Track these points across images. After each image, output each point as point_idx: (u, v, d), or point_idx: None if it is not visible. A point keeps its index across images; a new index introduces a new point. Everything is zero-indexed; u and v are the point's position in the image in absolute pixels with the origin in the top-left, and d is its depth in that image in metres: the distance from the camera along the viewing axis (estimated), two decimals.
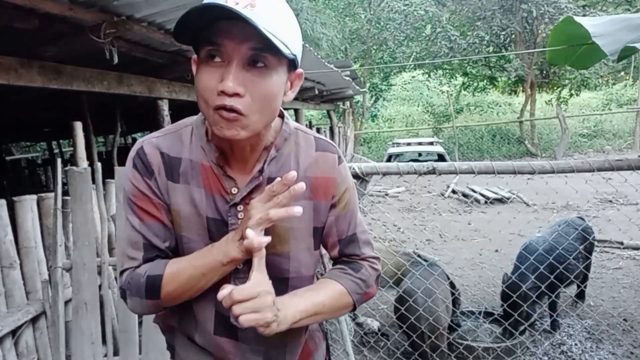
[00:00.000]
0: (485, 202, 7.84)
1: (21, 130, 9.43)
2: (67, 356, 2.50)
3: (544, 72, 17.57)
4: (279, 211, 0.85)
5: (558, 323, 3.49)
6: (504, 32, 15.97)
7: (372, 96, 18.90)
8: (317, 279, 1.09)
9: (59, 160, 2.76)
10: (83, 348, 2.45)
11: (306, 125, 10.23)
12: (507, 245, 5.57)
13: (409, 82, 21.70)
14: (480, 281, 4.32)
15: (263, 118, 0.88)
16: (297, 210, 0.85)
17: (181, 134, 0.99)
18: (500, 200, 8.11)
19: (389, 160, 10.43)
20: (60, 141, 12.82)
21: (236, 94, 0.83)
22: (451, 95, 18.46)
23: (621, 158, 2.31)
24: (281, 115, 1.02)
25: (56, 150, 12.33)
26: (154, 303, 0.96)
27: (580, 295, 3.93)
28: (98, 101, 5.17)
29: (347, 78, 8.66)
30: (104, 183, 2.78)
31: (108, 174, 2.73)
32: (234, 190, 0.96)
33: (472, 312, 3.58)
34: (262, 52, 0.83)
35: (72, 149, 3.58)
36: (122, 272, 0.99)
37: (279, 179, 0.86)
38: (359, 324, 3.51)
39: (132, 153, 0.98)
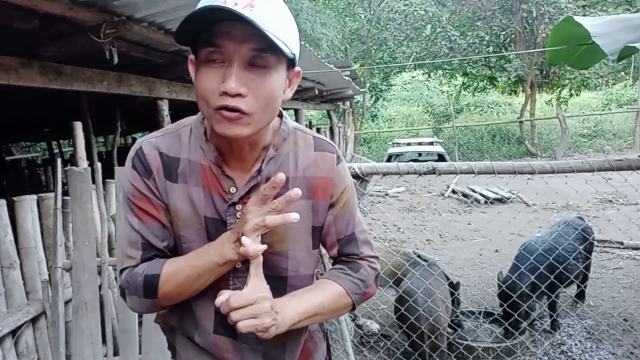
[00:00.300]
0: (485, 202, 7.84)
1: (21, 130, 9.43)
2: (67, 356, 2.50)
3: (544, 72, 17.56)
4: (275, 218, 0.85)
5: (558, 323, 3.49)
6: (504, 32, 15.97)
7: (372, 96, 18.90)
8: (317, 278, 1.10)
9: (59, 160, 2.76)
10: (83, 348, 2.45)
11: (306, 125, 10.23)
12: (507, 245, 5.56)
13: (409, 82, 21.70)
14: (480, 281, 4.32)
15: (265, 116, 0.89)
16: (294, 217, 0.85)
17: (180, 134, 1.00)
18: (500, 200, 8.11)
19: (389, 160, 10.43)
20: (60, 141, 12.82)
21: (239, 95, 0.83)
22: (451, 95, 18.46)
23: (621, 158, 2.31)
24: (280, 115, 1.02)
25: (56, 150, 12.33)
26: (152, 302, 0.96)
27: (580, 295, 3.93)
28: (98, 101, 5.17)
29: (347, 78, 8.66)
30: (104, 183, 2.78)
31: (108, 174, 2.73)
32: (233, 190, 0.96)
33: (472, 312, 3.58)
34: (263, 53, 0.84)
35: (72, 149, 3.58)
36: (121, 271, 0.99)
37: (268, 183, 0.85)
38: (358, 326, 3.51)
39: (132, 153, 0.98)
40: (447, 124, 18.17)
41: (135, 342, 2.49)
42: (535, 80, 16.66)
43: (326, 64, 6.19)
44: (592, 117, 17.69)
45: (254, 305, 0.86)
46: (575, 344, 3.27)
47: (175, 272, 0.94)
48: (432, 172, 2.36)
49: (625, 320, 3.61)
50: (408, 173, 2.39)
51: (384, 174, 2.49)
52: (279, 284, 0.98)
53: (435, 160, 9.43)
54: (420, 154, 10.87)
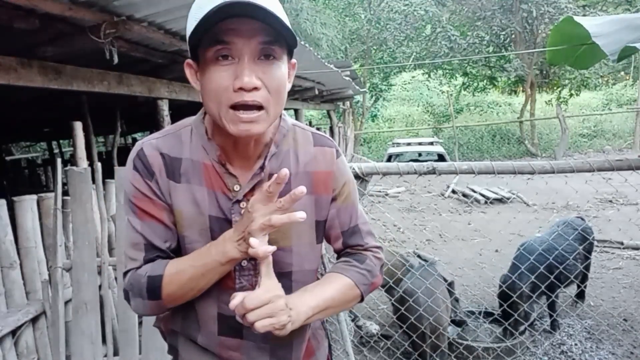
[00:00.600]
0: (485, 202, 7.84)
1: (21, 130, 9.43)
2: (67, 356, 2.50)
3: (544, 72, 17.56)
4: (281, 217, 0.85)
5: (558, 323, 3.49)
6: (504, 32, 15.96)
7: (372, 96, 18.90)
8: (318, 279, 1.10)
9: (59, 160, 2.77)
10: (83, 348, 2.45)
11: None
12: (507, 245, 5.56)
13: (409, 82, 21.69)
14: (480, 281, 4.32)
15: (277, 109, 0.91)
16: (300, 215, 0.85)
17: (180, 134, 1.00)
18: (500, 200, 8.11)
19: (389, 160, 10.43)
20: (60, 141, 12.81)
21: (255, 88, 0.85)
22: (451, 95, 18.46)
23: (621, 158, 2.31)
24: None
25: (56, 150, 12.32)
26: (156, 304, 0.96)
27: (580, 295, 3.93)
28: (98, 101, 5.17)
29: (347, 78, 8.66)
30: (104, 183, 2.78)
31: (108, 174, 2.73)
32: (236, 188, 0.96)
33: (472, 312, 3.58)
34: (271, 45, 0.86)
35: (72, 149, 3.57)
36: (125, 274, 0.99)
37: (272, 180, 0.85)
38: (358, 326, 3.51)
39: (132, 155, 0.98)
40: (447, 124, 18.17)
41: (135, 342, 2.49)
42: (535, 80, 16.66)
43: (326, 64, 6.19)
44: (592, 117, 17.69)
45: (269, 305, 0.86)
46: (575, 344, 3.27)
47: (178, 273, 0.93)
48: (432, 172, 2.36)
49: (625, 320, 3.61)
50: (408, 173, 2.39)
51: (384, 174, 2.49)
52: (284, 279, 0.99)
53: (435, 160, 9.43)
54: (420, 154, 10.86)
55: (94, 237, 2.51)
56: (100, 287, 2.55)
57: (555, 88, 18.60)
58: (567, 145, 14.93)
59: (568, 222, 3.70)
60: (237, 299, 0.87)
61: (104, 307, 2.62)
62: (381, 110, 20.59)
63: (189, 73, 0.95)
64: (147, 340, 2.44)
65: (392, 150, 11.04)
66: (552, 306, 3.46)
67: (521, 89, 19.25)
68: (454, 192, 9.24)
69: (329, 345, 1.23)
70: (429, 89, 21.09)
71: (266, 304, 0.86)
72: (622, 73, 19.98)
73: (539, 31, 15.50)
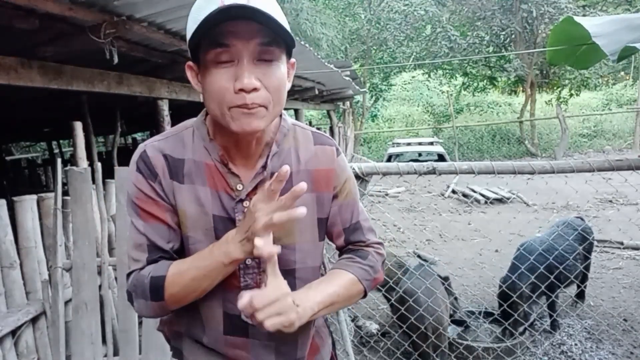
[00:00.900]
0: (485, 202, 7.84)
1: (21, 130, 9.43)
2: (67, 356, 2.50)
3: (544, 72, 17.56)
4: (281, 215, 0.85)
5: (558, 323, 3.49)
6: (504, 32, 15.96)
7: (372, 96, 18.90)
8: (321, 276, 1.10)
9: (59, 160, 2.77)
10: (83, 348, 2.45)
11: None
12: (507, 245, 5.56)
13: (409, 82, 21.69)
14: (480, 281, 4.32)
15: (277, 108, 0.92)
16: (300, 211, 0.85)
17: (183, 136, 1.01)
18: (500, 200, 8.11)
19: (389, 160, 10.43)
20: (60, 141, 12.81)
21: (255, 89, 0.86)
22: (451, 95, 18.46)
23: (621, 158, 2.31)
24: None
25: (56, 150, 12.33)
26: (159, 305, 0.96)
27: (580, 295, 3.93)
28: (98, 101, 5.17)
29: (347, 78, 8.66)
30: (104, 183, 2.78)
31: (108, 174, 2.73)
32: (239, 187, 0.97)
33: (472, 312, 3.58)
34: (270, 46, 0.87)
35: (72, 149, 3.58)
36: (128, 275, 1.00)
37: (273, 179, 0.86)
38: (358, 326, 3.51)
39: (135, 157, 0.99)
40: (447, 124, 18.17)
41: (135, 342, 2.49)
42: (535, 80, 16.66)
43: (326, 64, 6.19)
44: (592, 117, 17.69)
45: (277, 303, 0.87)
46: (575, 344, 3.27)
47: (181, 274, 0.94)
48: (432, 172, 2.36)
49: (625, 320, 3.61)
50: (408, 173, 2.39)
51: (384, 174, 2.49)
52: (288, 277, 0.99)
53: (435, 160, 9.43)
54: (420, 154, 10.86)
55: (94, 237, 2.51)
56: (100, 287, 2.55)
57: (555, 88, 18.60)
58: (567, 145, 14.93)
59: (568, 222, 3.70)
60: (245, 299, 0.87)
61: (104, 307, 2.62)
62: (381, 110, 20.59)
63: (190, 75, 0.96)
64: (147, 340, 2.44)
65: (392, 150, 11.04)
66: (552, 306, 3.46)
67: (521, 89, 19.25)
68: (454, 192, 9.24)
69: (333, 342, 1.24)
70: (429, 89, 21.08)
71: (274, 302, 0.86)
72: (622, 73, 19.97)
73: (539, 31, 15.50)
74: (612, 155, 13.13)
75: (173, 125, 1.14)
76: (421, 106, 20.69)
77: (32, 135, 11.80)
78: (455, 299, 3.51)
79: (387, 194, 9.33)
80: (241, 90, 0.86)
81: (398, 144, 11.56)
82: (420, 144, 11.44)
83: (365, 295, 1.09)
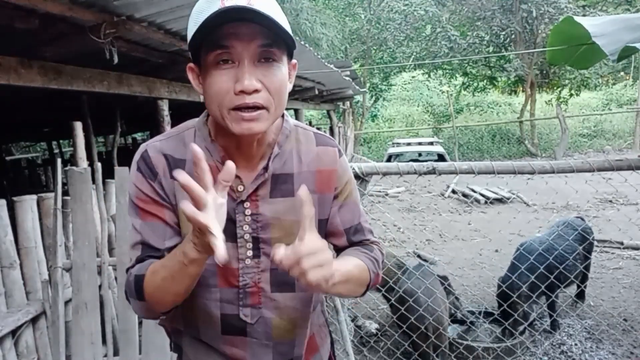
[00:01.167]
0: (485, 202, 7.84)
1: (21, 130, 9.43)
2: (67, 356, 2.50)
3: (544, 72, 17.56)
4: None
5: (558, 323, 3.49)
6: (504, 32, 15.95)
7: (372, 96, 18.90)
8: None
9: (59, 160, 2.77)
10: (83, 348, 2.45)
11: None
12: (507, 245, 5.56)
13: (409, 82, 21.69)
14: (480, 281, 4.32)
15: (279, 109, 0.92)
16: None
17: (184, 136, 1.01)
18: (500, 200, 8.11)
19: (389, 160, 10.43)
20: (60, 141, 12.82)
21: (255, 91, 0.86)
22: (451, 95, 18.46)
23: (621, 158, 2.31)
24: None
25: (56, 150, 12.33)
26: (144, 305, 0.94)
27: (580, 295, 3.93)
28: (98, 101, 5.17)
29: (347, 78, 8.67)
30: (104, 183, 2.78)
31: (108, 174, 2.73)
32: (240, 188, 0.97)
33: (472, 312, 3.58)
34: (270, 48, 0.87)
35: (72, 149, 3.58)
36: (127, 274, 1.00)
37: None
38: (358, 326, 3.51)
39: (137, 157, 0.99)
40: (447, 124, 18.17)
41: (135, 342, 2.49)
42: (535, 80, 16.66)
43: (326, 64, 6.19)
44: (592, 117, 17.69)
45: (319, 254, 0.80)
46: (575, 344, 3.27)
47: (153, 273, 0.91)
48: (432, 172, 2.36)
49: (625, 320, 3.61)
50: (408, 173, 2.39)
51: (384, 174, 2.49)
52: (288, 278, 0.96)
53: (435, 160, 9.43)
54: (420, 154, 10.86)
55: (94, 237, 2.51)
56: (100, 287, 2.55)
57: (555, 88, 18.60)
58: (567, 145, 14.92)
59: (568, 222, 3.70)
60: (282, 249, 0.79)
61: (104, 307, 2.63)
62: (381, 110, 20.59)
63: (191, 77, 0.96)
64: (147, 340, 2.44)
65: (392, 150, 11.04)
66: (552, 306, 3.46)
67: (521, 89, 19.24)
68: (454, 192, 9.23)
69: (332, 342, 1.24)
70: (429, 89, 21.09)
71: (317, 253, 0.79)
72: (622, 73, 19.97)
73: (539, 31, 15.50)
74: (612, 155, 13.13)
75: (173, 125, 1.14)
76: (421, 106, 20.69)
77: (32, 135, 11.80)
78: (456, 298, 3.51)
79: (387, 194, 9.33)
80: (242, 92, 0.86)
81: (398, 144, 11.56)
82: (420, 144, 11.45)
83: (365, 292, 1.07)
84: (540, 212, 7.12)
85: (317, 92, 7.97)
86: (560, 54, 3.63)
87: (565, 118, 13.82)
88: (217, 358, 1.05)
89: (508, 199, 8.14)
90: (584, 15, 12.19)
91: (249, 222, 0.98)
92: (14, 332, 2.44)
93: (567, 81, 17.77)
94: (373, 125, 20.36)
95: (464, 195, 8.80)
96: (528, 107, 16.84)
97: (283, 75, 0.91)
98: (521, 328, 3.26)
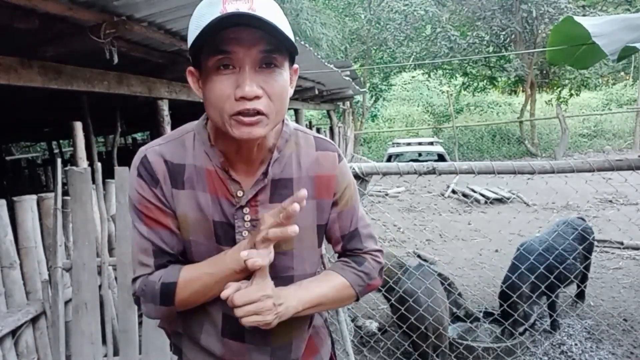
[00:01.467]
0: (485, 202, 7.84)
1: (21, 130, 9.43)
2: (67, 356, 2.50)
3: (544, 72, 17.56)
4: (275, 232, 0.87)
5: (558, 323, 3.49)
6: (504, 32, 15.95)
7: (372, 96, 18.90)
8: None
9: (59, 160, 2.77)
10: (83, 348, 2.45)
11: (306, 126, 10.22)
12: (507, 245, 5.56)
13: (409, 82, 21.69)
14: (480, 281, 4.32)
15: (279, 115, 0.92)
16: (291, 230, 0.87)
17: (184, 140, 1.00)
18: (500, 200, 8.11)
19: (389, 160, 10.43)
20: (60, 141, 12.82)
21: (256, 97, 0.86)
22: (451, 95, 18.44)
23: (621, 158, 2.31)
24: None
25: (56, 150, 12.34)
26: (168, 309, 0.98)
27: (580, 295, 3.93)
28: (98, 101, 5.17)
29: (347, 78, 8.66)
30: (104, 183, 2.78)
31: (108, 174, 2.73)
32: (240, 193, 0.97)
33: (472, 313, 3.58)
34: (272, 53, 0.87)
35: (72, 149, 3.58)
36: (135, 280, 1.00)
37: (289, 199, 0.87)
38: (358, 326, 3.51)
39: (136, 162, 0.99)
40: (447, 124, 18.17)
41: (135, 342, 2.49)
42: (535, 80, 16.65)
43: (326, 64, 6.19)
44: (592, 117, 17.68)
45: (257, 303, 0.90)
46: (575, 344, 3.27)
47: (192, 280, 0.95)
48: (432, 172, 2.36)
49: (625, 320, 3.60)
50: (408, 173, 2.39)
51: (384, 174, 2.49)
52: (286, 283, 1.00)
53: (435, 160, 9.43)
54: (420, 154, 10.86)
55: (94, 237, 2.50)
56: (100, 287, 2.55)
57: (555, 88, 18.60)
58: (567, 145, 14.91)
59: (568, 222, 3.70)
60: (229, 289, 0.90)
61: (104, 307, 2.62)
62: (381, 110, 20.59)
63: (191, 81, 0.95)
64: (147, 340, 2.44)
65: (392, 150, 11.04)
66: (552, 306, 3.46)
67: (521, 89, 19.24)
68: (454, 192, 9.23)
69: (332, 343, 1.24)
70: (429, 89, 21.09)
71: (254, 302, 0.89)
72: (622, 73, 19.97)
73: (539, 31, 15.50)
74: (612, 155, 13.12)
75: (173, 125, 1.14)
76: (421, 106, 20.69)
77: (32, 135, 11.80)
78: (459, 294, 3.50)
79: (387, 194, 9.33)
80: (242, 97, 0.85)
81: (398, 144, 11.56)
82: (420, 144, 11.44)
83: (357, 299, 1.10)
84: (540, 212, 7.12)
85: (317, 92, 7.97)
86: (560, 54, 3.63)
87: (565, 118, 13.82)
88: None
89: (508, 199, 8.14)
90: (584, 15, 12.19)
91: (248, 227, 0.98)
92: (14, 332, 2.44)
93: (567, 81, 17.76)
94: (373, 125, 20.36)
95: (464, 195, 8.80)
96: (528, 107, 16.84)
97: (284, 81, 0.90)
98: (521, 328, 3.26)
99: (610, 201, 7.80)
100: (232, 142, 0.93)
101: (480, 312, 3.55)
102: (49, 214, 2.67)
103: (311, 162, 1.03)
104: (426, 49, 17.39)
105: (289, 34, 0.88)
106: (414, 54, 18.01)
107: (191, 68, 0.94)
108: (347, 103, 14.66)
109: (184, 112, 5.57)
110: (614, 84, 20.16)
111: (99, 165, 2.71)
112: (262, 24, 0.82)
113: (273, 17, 0.84)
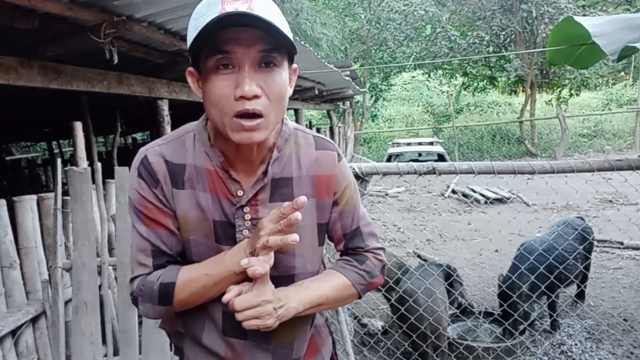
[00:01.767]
0: (485, 202, 7.84)
1: (21, 130, 9.43)
2: (67, 356, 2.50)
3: (544, 72, 17.55)
4: (275, 239, 0.87)
5: (558, 323, 3.49)
6: (504, 32, 15.95)
7: (372, 96, 18.90)
8: None
9: (59, 160, 2.76)
10: (83, 348, 2.45)
11: (306, 126, 10.21)
12: (507, 245, 5.56)
13: (409, 82, 21.69)
14: (480, 281, 4.32)
15: (278, 115, 0.92)
16: (292, 239, 0.87)
17: (184, 140, 1.01)
18: (500, 200, 8.11)
19: (389, 160, 10.43)
20: (60, 141, 12.82)
21: (255, 96, 0.86)
22: (451, 95, 18.45)
23: (621, 158, 2.31)
24: None
25: (56, 150, 12.34)
26: (166, 309, 0.98)
27: (580, 295, 3.93)
28: (98, 101, 5.17)
29: (347, 78, 8.67)
30: (104, 183, 2.78)
31: (108, 174, 2.73)
32: (240, 193, 0.98)
33: (472, 312, 3.58)
34: (271, 53, 0.87)
35: (72, 149, 3.58)
36: (133, 279, 1.00)
37: (287, 203, 0.88)
38: (363, 325, 3.52)
39: (137, 162, 0.99)
40: (447, 124, 18.17)
41: (135, 342, 2.49)
42: (535, 80, 16.65)
43: (326, 64, 6.19)
44: (592, 117, 17.68)
45: (257, 308, 0.91)
46: (575, 344, 3.27)
47: (191, 281, 0.95)
48: (432, 172, 2.36)
49: (625, 320, 3.60)
50: (408, 173, 2.39)
51: (384, 174, 2.49)
52: (288, 282, 1.01)
53: (435, 160, 9.43)
54: (420, 154, 10.86)
55: (94, 237, 2.50)
56: (100, 287, 2.55)
57: (555, 88, 18.60)
58: (567, 145, 14.92)
59: (568, 222, 3.70)
60: (230, 294, 0.91)
61: (104, 307, 2.62)
62: (381, 110, 20.59)
63: (191, 81, 0.96)
64: (147, 340, 2.44)
65: (392, 150, 11.04)
66: (552, 306, 3.46)
67: (521, 89, 19.24)
68: (454, 192, 9.23)
69: (333, 342, 1.25)
70: (429, 89, 21.09)
71: (254, 307, 0.90)
72: (622, 73, 19.97)
73: (539, 31, 15.50)
74: (612, 155, 13.12)
75: (173, 125, 1.14)
76: (421, 106, 20.70)
77: (32, 135, 11.80)
78: (461, 284, 3.49)
79: (387, 194, 9.33)
80: (242, 97, 0.85)
81: (398, 144, 11.56)
82: (420, 144, 11.44)
83: (359, 297, 1.11)
84: (540, 212, 7.12)
85: (317, 92, 7.97)
86: (560, 54, 3.63)
87: (565, 118, 13.81)
88: None
89: (508, 199, 8.14)
90: (584, 15, 12.19)
91: (248, 226, 0.98)
92: (14, 332, 2.44)
93: (567, 81, 17.77)
94: (373, 125, 20.36)
95: (464, 195, 8.80)
96: (528, 107, 16.84)
97: (283, 80, 0.91)
98: (521, 328, 3.26)
99: (610, 201, 7.80)
100: (232, 142, 0.93)
101: (480, 312, 3.55)
102: (49, 214, 2.67)
103: (311, 161, 1.03)
104: (426, 49, 17.39)
105: (288, 33, 0.88)
106: (414, 54, 18.01)
107: (191, 68, 0.95)
108: (347, 103, 14.67)
109: (184, 112, 5.57)
110: (614, 84, 20.16)
111: (99, 165, 2.71)
112: (261, 23, 0.82)
113: (272, 17, 0.85)
